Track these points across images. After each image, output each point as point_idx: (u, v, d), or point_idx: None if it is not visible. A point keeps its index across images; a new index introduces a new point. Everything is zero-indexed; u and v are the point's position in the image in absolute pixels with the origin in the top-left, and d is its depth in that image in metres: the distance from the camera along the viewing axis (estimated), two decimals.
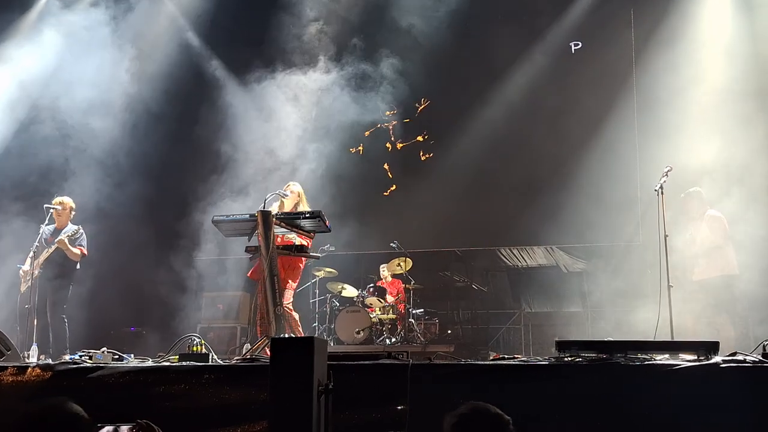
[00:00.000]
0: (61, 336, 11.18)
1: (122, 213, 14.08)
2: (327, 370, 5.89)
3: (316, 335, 13.31)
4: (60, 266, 11.33)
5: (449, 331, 14.65)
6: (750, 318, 11.01)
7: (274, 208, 10.15)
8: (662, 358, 6.71)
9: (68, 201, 11.71)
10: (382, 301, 14.26)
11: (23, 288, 11.22)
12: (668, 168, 10.13)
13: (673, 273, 9.96)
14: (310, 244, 10.25)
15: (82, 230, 11.56)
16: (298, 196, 10.47)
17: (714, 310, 10.87)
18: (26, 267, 11.24)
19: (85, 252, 11.55)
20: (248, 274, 10.55)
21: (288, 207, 10.31)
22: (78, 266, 11.59)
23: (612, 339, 7.70)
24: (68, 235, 11.23)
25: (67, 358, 8.01)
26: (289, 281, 10.16)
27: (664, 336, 9.13)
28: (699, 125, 12.68)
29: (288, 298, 10.03)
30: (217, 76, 15.87)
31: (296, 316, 10.15)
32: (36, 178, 13.87)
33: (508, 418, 3.53)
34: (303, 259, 10.32)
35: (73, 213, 11.73)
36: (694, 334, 10.10)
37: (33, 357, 9.33)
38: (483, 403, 3.59)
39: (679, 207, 11.24)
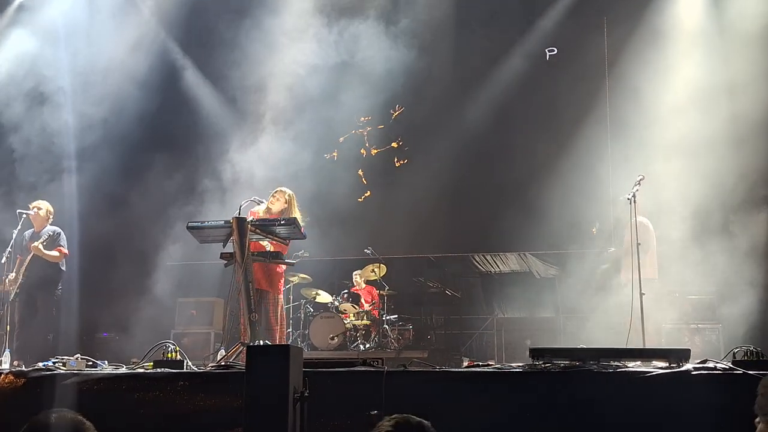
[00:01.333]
0: (45, 343, 11.07)
1: (94, 216, 14.02)
2: (302, 378, 5.91)
3: (290, 341, 13.32)
4: (43, 270, 11.21)
5: (429, 337, 14.68)
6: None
7: (260, 212, 10.17)
8: (634, 365, 6.78)
9: (46, 204, 11.58)
10: (356, 307, 14.28)
11: (12, 296, 11.10)
12: (640, 177, 10.24)
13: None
14: (285, 251, 10.28)
15: (60, 231, 11.48)
16: (287, 201, 10.39)
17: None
18: (12, 275, 11.12)
19: (66, 251, 11.41)
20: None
21: (275, 211, 10.28)
22: (63, 267, 11.49)
23: (584, 346, 7.76)
24: (43, 240, 11.13)
25: (40, 364, 7.97)
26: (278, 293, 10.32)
27: (635, 343, 9.21)
28: (671, 134, 12.79)
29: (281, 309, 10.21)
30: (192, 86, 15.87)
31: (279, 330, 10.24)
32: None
33: (428, 423, 3.59)
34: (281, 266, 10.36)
35: (51, 217, 11.61)
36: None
37: (5, 363, 9.28)
38: (403, 415, 3.64)
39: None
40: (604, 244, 13.50)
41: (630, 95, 13.53)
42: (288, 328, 13.67)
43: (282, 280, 10.52)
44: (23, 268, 11.04)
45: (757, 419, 2.89)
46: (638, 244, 9.79)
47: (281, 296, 10.49)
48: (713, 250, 11.75)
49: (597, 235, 13.43)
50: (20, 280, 11.00)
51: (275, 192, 10.46)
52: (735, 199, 12.36)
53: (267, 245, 10.08)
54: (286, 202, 10.38)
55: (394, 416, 3.64)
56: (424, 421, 3.62)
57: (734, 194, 12.36)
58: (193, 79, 15.82)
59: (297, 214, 10.29)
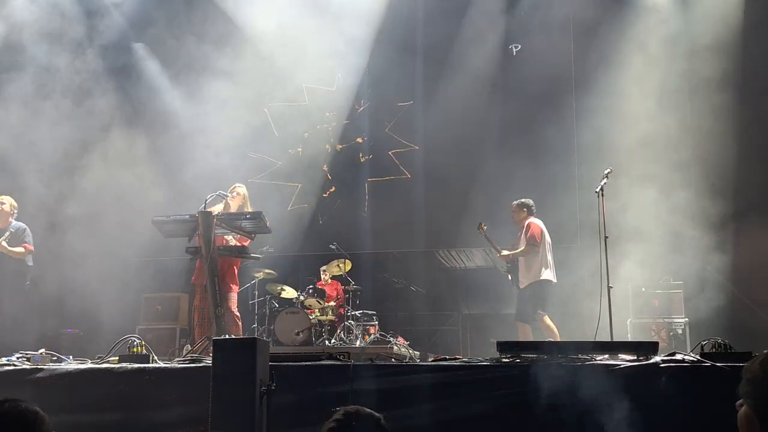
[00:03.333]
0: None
1: (56, 211, 13.88)
2: (269, 371, 5.89)
3: (256, 336, 13.25)
4: (8, 266, 11.03)
5: (394, 333, 14.66)
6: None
7: (218, 209, 10.15)
8: (602, 359, 6.80)
9: (9, 199, 11.38)
10: (321, 302, 14.22)
11: None
12: (609, 170, 10.24)
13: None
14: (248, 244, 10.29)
15: (25, 227, 11.30)
16: (243, 198, 10.49)
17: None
18: None
19: (31, 247, 11.22)
20: (192, 280, 10.55)
21: (233, 209, 10.31)
22: (30, 263, 11.30)
23: (551, 339, 7.78)
24: (6, 236, 10.95)
25: (4, 360, 7.87)
26: (232, 284, 10.27)
27: (604, 337, 9.22)
28: (638, 130, 12.88)
29: (233, 301, 10.16)
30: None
31: (239, 323, 10.25)
32: None
33: (379, 415, 3.57)
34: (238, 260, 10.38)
35: (15, 212, 11.43)
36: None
37: None
38: (354, 406, 3.63)
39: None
40: (571, 239, 13.58)
41: (596, 91, 13.59)
42: (253, 323, 13.64)
43: (236, 273, 10.62)
44: None
45: (740, 402, 2.90)
46: (606, 237, 9.76)
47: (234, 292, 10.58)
48: (679, 245, 11.83)
49: (564, 230, 13.41)
50: None
51: (232, 190, 10.53)
52: (702, 195, 12.44)
53: (230, 240, 10.07)
54: (243, 199, 10.47)
55: (348, 407, 3.63)
56: (375, 413, 3.61)
57: (701, 191, 12.45)
58: (152, 72, 15.71)
59: (250, 210, 10.38)
